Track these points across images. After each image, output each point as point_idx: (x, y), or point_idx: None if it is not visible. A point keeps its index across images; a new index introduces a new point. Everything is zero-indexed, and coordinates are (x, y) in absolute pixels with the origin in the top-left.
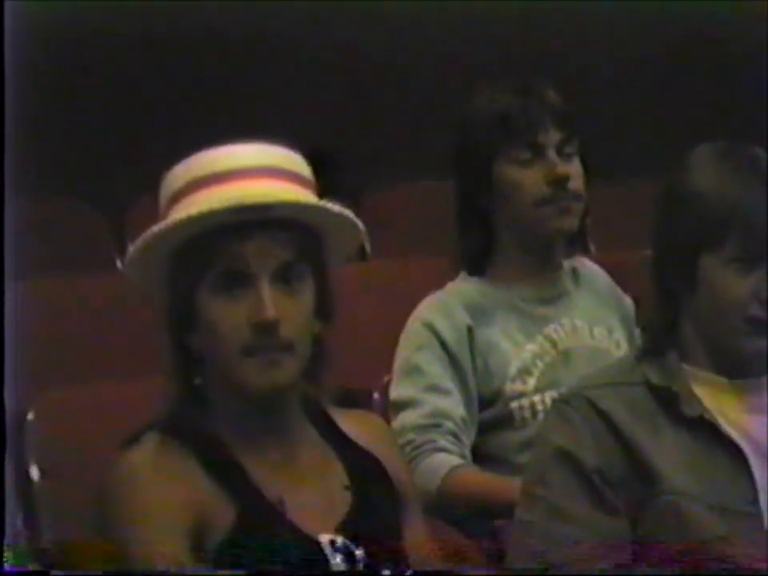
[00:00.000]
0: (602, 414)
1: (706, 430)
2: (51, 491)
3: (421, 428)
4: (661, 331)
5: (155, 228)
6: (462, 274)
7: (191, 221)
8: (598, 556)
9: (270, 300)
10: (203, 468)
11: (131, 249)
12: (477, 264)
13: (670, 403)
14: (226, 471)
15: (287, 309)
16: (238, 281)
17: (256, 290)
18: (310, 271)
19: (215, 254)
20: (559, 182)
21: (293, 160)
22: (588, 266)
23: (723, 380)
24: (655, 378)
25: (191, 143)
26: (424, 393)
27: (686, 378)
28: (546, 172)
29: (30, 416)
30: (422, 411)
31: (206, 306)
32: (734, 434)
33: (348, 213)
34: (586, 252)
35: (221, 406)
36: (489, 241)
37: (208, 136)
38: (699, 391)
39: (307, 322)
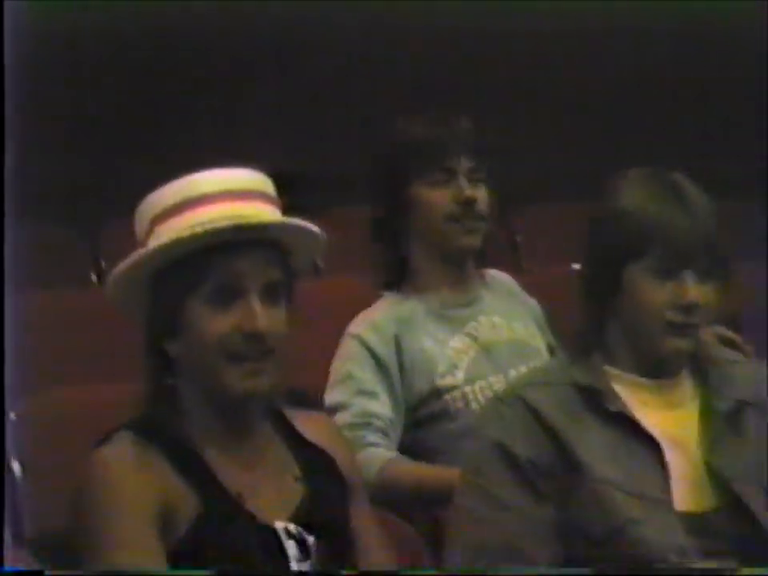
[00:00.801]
0: (534, 411)
1: (626, 425)
2: (31, 485)
3: (352, 426)
4: (588, 335)
5: (150, 247)
6: (387, 292)
7: (193, 237)
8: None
9: (260, 312)
10: (171, 464)
11: (120, 268)
12: (397, 278)
13: (594, 400)
14: (192, 467)
15: (272, 321)
16: (229, 294)
17: (247, 303)
18: (286, 287)
19: (210, 269)
20: (467, 203)
21: (268, 183)
22: (496, 274)
23: (643, 380)
24: (581, 378)
25: (164, 167)
26: (354, 396)
27: (608, 378)
28: (456, 193)
29: (12, 416)
30: (352, 412)
31: (194, 314)
32: (651, 428)
33: (321, 233)
34: (516, 266)
35: (192, 408)
36: (406, 257)
37: (178, 161)
38: (621, 389)
39: (286, 334)
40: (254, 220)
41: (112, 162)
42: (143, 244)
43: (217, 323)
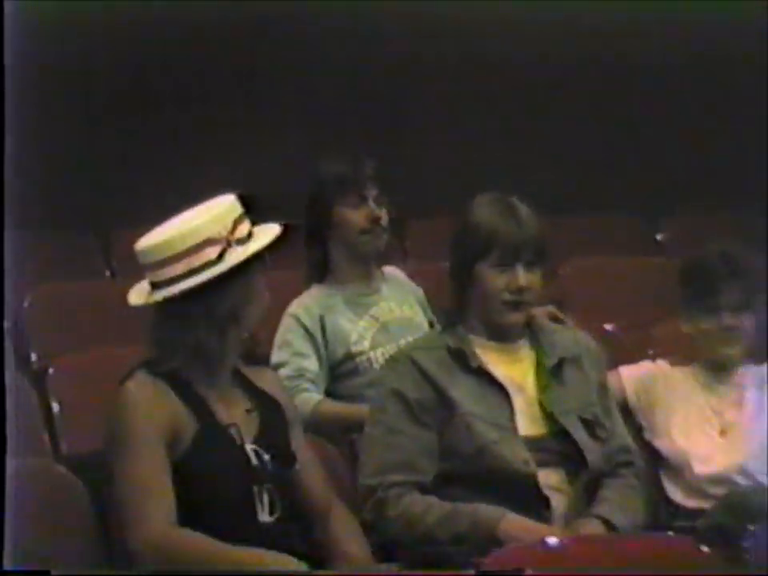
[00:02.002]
0: (419, 367)
1: (483, 376)
2: (66, 419)
3: (290, 378)
4: (454, 313)
5: (197, 278)
6: (314, 284)
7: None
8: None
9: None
10: (176, 395)
11: (180, 289)
12: (320, 274)
13: (461, 359)
14: (191, 399)
15: None
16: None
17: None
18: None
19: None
20: (375, 221)
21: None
22: (392, 270)
23: (493, 343)
24: (452, 344)
25: (167, 179)
26: (292, 357)
27: (470, 343)
28: (367, 213)
29: (51, 371)
30: (290, 368)
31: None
32: (500, 378)
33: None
34: (400, 262)
35: (186, 358)
36: (329, 258)
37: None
38: (479, 351)
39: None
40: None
41: (121, 177)
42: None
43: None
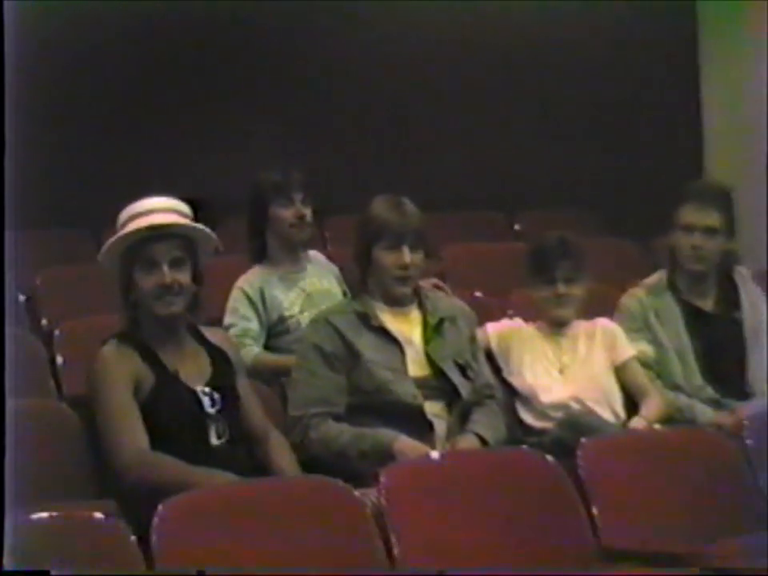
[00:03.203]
0: (333, 326)
1: (382, 332)
2: (67, 370)
3: (237, 336)
4: (361, 284)
5: (113, 238)
6: (256, 264)
7: (132, 234)
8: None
9: (168, 274)
10: (139, 356)
11: (103, 249)
12: (260, 257)
13: (366, 320)
14: (150, 358)
15: (177, 277)
16: (152, 264)
17: (161, 270)
18: (189, 260)
19: (143, 252)
20: (301, 217)
21: (181, 205)
22: (315, 254)
23: (389, 308)
24: (359, 308)
25: (146, 184)
26: (239, 320)
27: (372, 307)
28: (295, 211)
29: (57, 333)
30: (238, 328)
31: (137, 276)
32: (395, 333)
33: (209, 230)
34: (321, 247)
35: (148, 327)
36: (265, 245)
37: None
38: (379, 313)
39: (189, 284)
40: (168, 222)
41: (109, 187)
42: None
43: (148, 280)
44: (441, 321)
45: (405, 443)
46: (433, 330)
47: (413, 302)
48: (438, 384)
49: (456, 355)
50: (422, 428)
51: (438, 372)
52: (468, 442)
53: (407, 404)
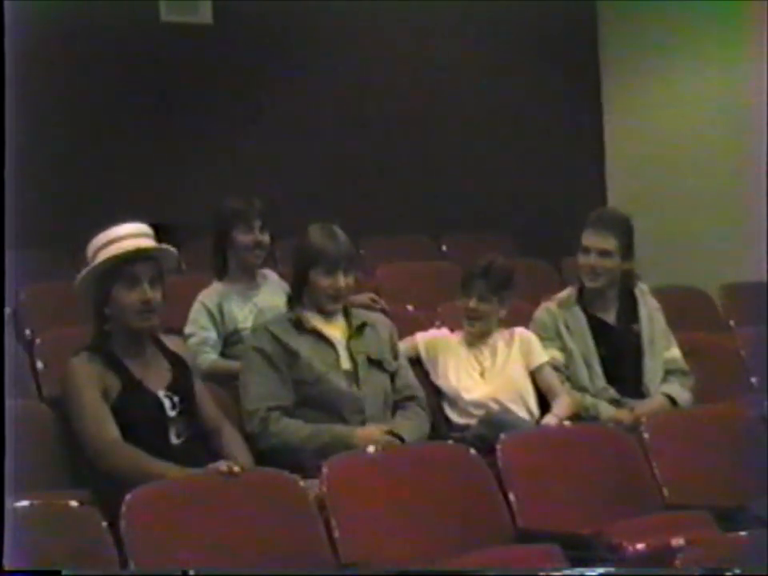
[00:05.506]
0: (271, 332)
1: (316, 334)
2: (46, 376)
3: (197, 344)
4: (297, 299)
5: (101, 259)
6: (216, 281)
7: (115, 257)
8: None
9: (149, 290)
10: (107, 366)
11: (87, 269)
12: (221, 274)
13: (300, 325)
14: (117, 368)
15: (155, 294)
16: (134, 282)
17: (142, 287)
18: (161, 279)
19: (125, 270)
20: (258, 243)
21: (149, 230)
22: (268, 272)
23: (320, 316)
24: (293, 317)
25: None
26: (198, 330)
27: (306, 315)
28: (254, 238)
29: (38, 341)
30: (197, 338)
31: (118, 293)
32: (327, 335)
33: (174, 251)
34: (273, 267)
35: (117, 339)
36: (226, 264)
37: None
38: (312, 318)
39: (161, 301)
40: (152, 246)
41: (85, 208)
42: (92, 261)
43: (129, 297)
44: (362, 324)
45: (364, 431)
46: (356, 332)
47: (339, 312)
48: (370, 377)
49: (371, 353)
50: (356, 413)
51: (366, 364)
52: (392, 443)
53: (343, 392)
